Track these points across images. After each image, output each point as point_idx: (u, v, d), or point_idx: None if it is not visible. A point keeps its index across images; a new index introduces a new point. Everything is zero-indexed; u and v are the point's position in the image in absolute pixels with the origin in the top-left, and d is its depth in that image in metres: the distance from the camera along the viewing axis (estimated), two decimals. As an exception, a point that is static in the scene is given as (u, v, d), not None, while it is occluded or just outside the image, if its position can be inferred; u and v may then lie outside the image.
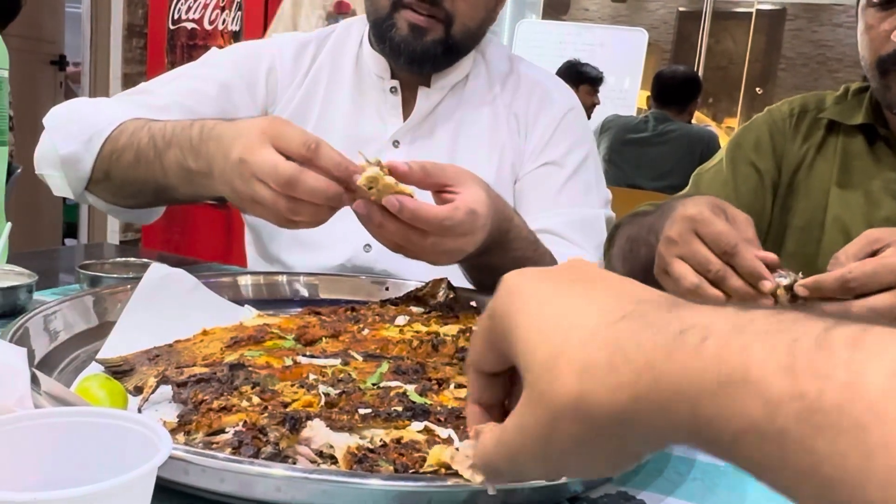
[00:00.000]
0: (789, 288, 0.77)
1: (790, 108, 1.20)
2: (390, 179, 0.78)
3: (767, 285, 0.77)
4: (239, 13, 3.63)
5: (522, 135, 1.19)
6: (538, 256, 1.00)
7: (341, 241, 1.12)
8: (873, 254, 0.75)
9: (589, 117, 4.10)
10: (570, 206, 1.15)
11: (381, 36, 1.10)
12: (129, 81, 3.97)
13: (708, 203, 0.82)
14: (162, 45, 3.77)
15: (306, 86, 1.19)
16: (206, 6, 3.68)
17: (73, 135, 1.00)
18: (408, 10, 1.06)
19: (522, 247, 0.97)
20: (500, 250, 0.92)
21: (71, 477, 0.38)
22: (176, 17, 3.74)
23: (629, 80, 5.54)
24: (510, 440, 0.35)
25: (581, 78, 4.12)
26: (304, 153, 0.77)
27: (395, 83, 1.17)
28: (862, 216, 1.08)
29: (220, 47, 3.93)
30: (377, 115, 1.18)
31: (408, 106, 1.18)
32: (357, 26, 1.22)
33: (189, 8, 3.73)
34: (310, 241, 1.13)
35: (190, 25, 3.72)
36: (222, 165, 0.82)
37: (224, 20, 3.67)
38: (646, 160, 3.40)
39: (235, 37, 3.62)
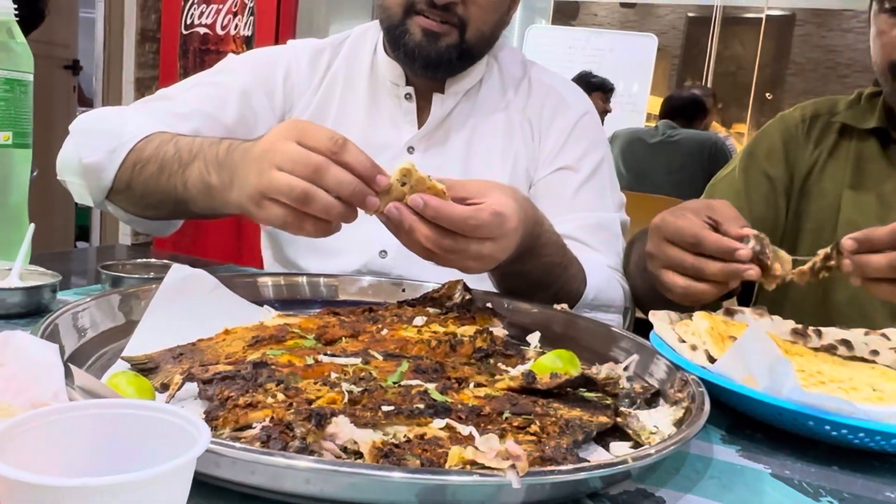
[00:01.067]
0: (829, 256, 0.79)
1: (802, 113, 1.20)
2: (423, 173, 0.78)
3: (743, 253, 0.79)
4: (251, 18, 3.66)
5: (536, 140, 1.20)
6: (567, 261, 1.01)
7: (357, 247, 1.13)
8: None
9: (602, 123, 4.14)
10: (585, 211, 1.15)
11: (395, 42, 1.11)
12: (141, 86, 4.01)
13: (673, 209, 0.85)
14: (174, 50, 3.80)
15: (322, 92, 1.20)
16: (218, 11, 3.71)
17: (97, 144, 1.01)
18: (420, 16, 1.07)
19: (552, 252, 0.97)
20: (531, 256, 0.93)
21: (113, 467, 0.39)
22: (188, 22, 3.78)
23: (638, 85, 5.55)
24: None
25: (592, 87, 4.16)
26: (332, 147, 0.76)
27: (410, 90, 1.17)
28: (875, 218, 1.09)
29: (234, 52, 3.94)
30: (391, 121, 1.18)
31: (422, 112, 1.19)
32: (372, 33, 1.23)
33: (202, 13, 3.76)
34: (326, 247, 1.14)
35: (202, 30, 3.75)
36: (244, 169, 0.81)
37: (237, 25, 3.70)
38: (656, 162, 3.43)
39: (248, 42, 3.65)
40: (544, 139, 1.19)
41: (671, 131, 3.51)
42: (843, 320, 1.00)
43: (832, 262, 0.81)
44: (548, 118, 1.20)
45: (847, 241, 0.77)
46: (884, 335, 0.88)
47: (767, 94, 8.76)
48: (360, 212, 0.79)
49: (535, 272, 0.96)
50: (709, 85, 7.13)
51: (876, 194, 1.09)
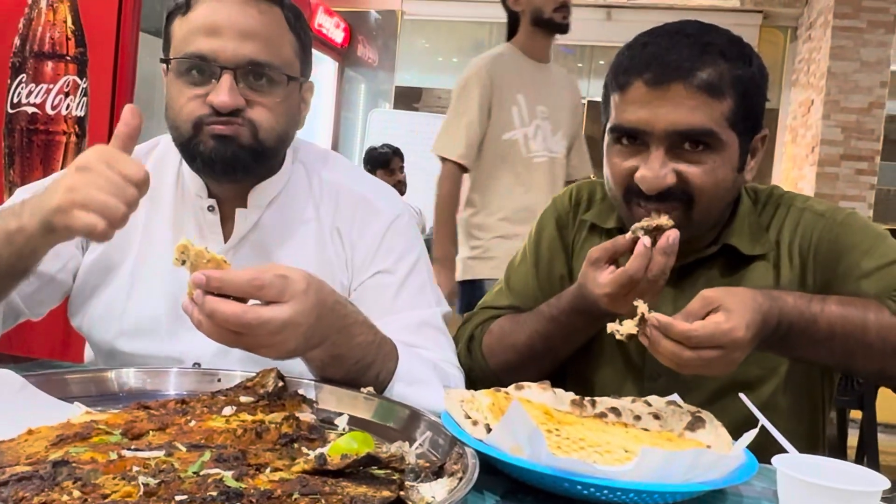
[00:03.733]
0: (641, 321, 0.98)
1: (568, 197, 1.34)
2: (199, 246, 0.84)
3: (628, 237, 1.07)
4: (84, 99, 3.58)
5: (348, 250, 1.21)
6: (381, 339, 1.05)
7: (171, 361, 1.14)
8: (708, 313, 0.97)
9: (402, 193, 4.34)
10: (406, 311, 1.18)
11: (191, 155, 1.12)
12: (-40, 165, 3.78)
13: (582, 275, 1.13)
14: (-1, 129, 3.64)
15: None
16: (48, 91, 3.59)
17: None
18: (210, 125, 1.09)
19: (364, 331, 1.01)
20: (343, 337, 0.97)
21: None
22: (15, 100, 3.63)
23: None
24: None
25: (375, 164, 4.37)
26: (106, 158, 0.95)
27: (213, 202, 1.18)
28: None
29: (65, 133, 3.78)
30: (199, 235, 1.18)
31: (229, 224, 1.19)
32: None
33: (30, 92, 3.63)
34: (140, 363, 1.13)
35: (31, 110, 3.62)
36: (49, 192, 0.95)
37: (68, 105, 3.60)
38: None
39: (80, 122, 3.55)
40: (356, 248, 1.21)
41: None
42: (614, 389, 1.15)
43: (639, 327, 0.99)
44: (359, 227, 1.22)
45: (653, 319, 0.96)
46: (646, 401, 1.02)
47: (591, 176, 9.48)
48: (173, 327, 0.86)
49: (351, 354, 1.00)
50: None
51: None
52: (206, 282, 0.83)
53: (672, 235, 1.04)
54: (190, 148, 1.11)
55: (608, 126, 1.16)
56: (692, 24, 1.14)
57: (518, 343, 1.25)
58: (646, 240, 1.04)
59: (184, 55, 1.11)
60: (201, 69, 1.10)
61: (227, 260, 0.86)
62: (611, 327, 1.01)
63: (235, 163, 1.11)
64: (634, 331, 0.99)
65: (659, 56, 1.09)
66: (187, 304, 0.86)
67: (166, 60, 1.14)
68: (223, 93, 1.08)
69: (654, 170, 1.09)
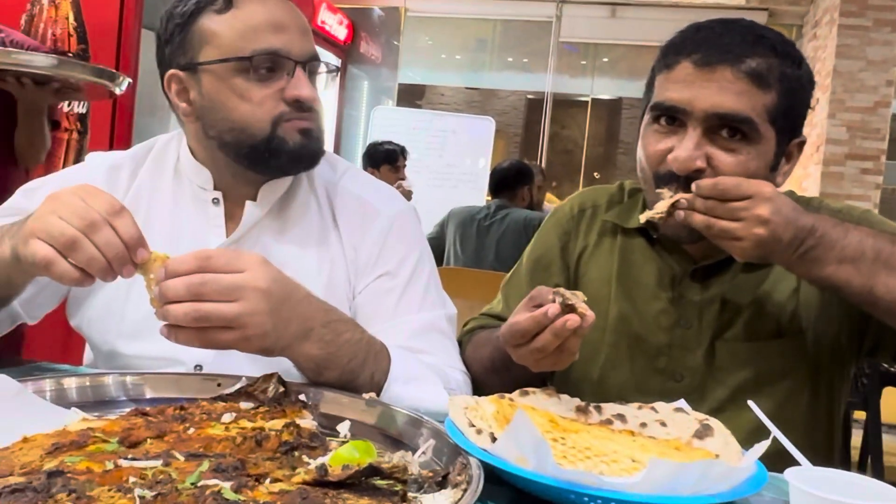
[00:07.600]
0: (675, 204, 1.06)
1: (570, 207, 1.33)
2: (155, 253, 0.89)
3: (552, 310, 0.93)
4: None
5: (349, 252, 1.20)
6: (368, 338, 1.05)
7: (170, 364, 1.12)
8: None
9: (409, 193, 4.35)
10: (410, 314, 1.17)
11: (270, 152, 1.10)
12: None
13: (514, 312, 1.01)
14: None
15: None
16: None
17: None
18: (290, 121, 1.10)
19: (350, 328, 1.02)
20: (329, 332, 0.98)
21: None
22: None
23: (482, 162, 5.87)
24: None
25: (380, 159, 4.34)
26: (110, 210, 0.88)
27: (218, 195, 1.17)
28: (640, 310, 1.22)
29: (66, 129, 3.77)
30: (199, 228, 1.18)
31: (230, 218, 1.18)
32: (174, 143, 1.23)
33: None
34: (140, 365, 1.13)
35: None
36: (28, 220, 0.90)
37: (70, 103, 3.59)
38: (489, 241, 3.61)
39: (82, 120, 3.55)
40: (358, 251, 1.20)
41: (502, 211, 3.71)
42: (616, 395, 1.13)
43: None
44: (360, 229, 1.21)
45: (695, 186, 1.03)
46: (653, 408, 1.01)
47: (596, 174, 9.46)
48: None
49: (342, 353, 1.00)
50: (543, 164, 7.62)
51: (642, 285, 1.23)
52: (164, 276, 0.86)
53: (571, 321, 0.92)
54: (270, 146, 1.10)
55: (648, 105, 1.15)
56: (748, 20, 1.15)
57: (483, 357, 1.23)
58: (552, 309, 0.93)
59: (255, 52, 1.09)
60: (272, 65, 1.10)
61: (170, 256, 0.89)
62: (644, 216, 1.09)
63: (315, 155, 1.15)
64: (665, 208, 1.05)
65: (711, 39, 1.09)
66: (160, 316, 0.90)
67: (225, 60, 1.09)
68: (305, 87, 1.11)
69: (687, 150, 1.07)
